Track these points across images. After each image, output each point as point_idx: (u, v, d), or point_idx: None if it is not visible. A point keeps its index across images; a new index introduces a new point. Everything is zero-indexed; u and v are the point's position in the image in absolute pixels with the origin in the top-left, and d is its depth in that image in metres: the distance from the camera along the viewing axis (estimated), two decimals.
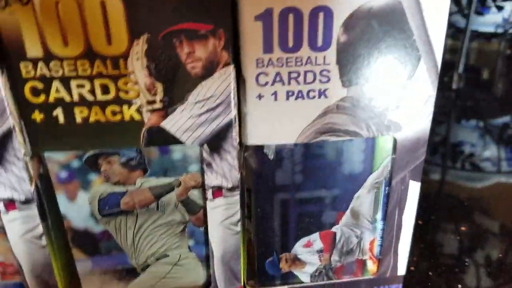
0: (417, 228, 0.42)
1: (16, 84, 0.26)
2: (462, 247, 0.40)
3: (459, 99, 0.91)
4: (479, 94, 0.97)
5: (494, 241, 0.41)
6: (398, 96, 0.29)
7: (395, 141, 0.31)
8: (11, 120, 0.26)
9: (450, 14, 1.01)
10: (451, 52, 1.33)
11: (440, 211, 0.47)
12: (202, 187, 0.31)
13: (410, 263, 0.37)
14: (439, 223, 0.44)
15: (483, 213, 0.46)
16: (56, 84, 0.26)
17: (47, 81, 0.26)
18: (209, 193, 0.31)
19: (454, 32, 1.12)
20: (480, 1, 0.98)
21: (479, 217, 0.45)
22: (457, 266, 0.38)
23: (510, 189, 0.53)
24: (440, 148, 0.66)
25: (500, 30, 1.06)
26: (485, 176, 0.56)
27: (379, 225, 0.34)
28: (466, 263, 0.38)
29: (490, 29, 1.06)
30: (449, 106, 0.86)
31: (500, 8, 0.99)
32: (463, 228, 0.46)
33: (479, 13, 1.02)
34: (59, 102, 0.27)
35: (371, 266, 0.36)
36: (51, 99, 0.26)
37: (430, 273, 0.39)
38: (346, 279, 0.36)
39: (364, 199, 0.33)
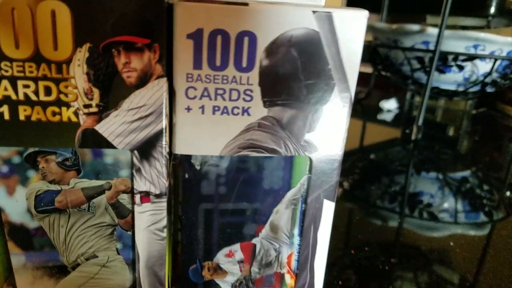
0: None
1: None
2: None
3: (417, 150, 0.96)
4: (439, 148, 1.02)
5: None
6: (314, 120, 0.32)
7: (310, 161, 0.34)
8: None
9: (414, 70, 1.06)
10: (416, 107, 1.39)
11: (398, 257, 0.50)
12: (131, 192, 0.34)
13: None
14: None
15: (440, 263, 0.49)
16: (4, 83, 0.29)
17: None
18: (137, 198, 0.34)
19: (418, 88, 1.17)
20: (442, 60, 1.02)
21: (437, 267, 0.49)
22: None
23: (465, 240, 0.56)
24: (399, 196, 0.70)
25: (461, 89, 1.10)
26: (442, 226, 0.60)
27: (296, 240, 0.37)
28: None
29: (452, 87, 1.11)
30: (409, 157, 0.92)
31: (461, 68, 1.03)
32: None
33: (441, 71, 1.06)
34: (6, 100, 0.29)
35: (289, 280, 0.39)
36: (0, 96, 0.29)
37: None
38: None
39: (282, 214, 0.36)
